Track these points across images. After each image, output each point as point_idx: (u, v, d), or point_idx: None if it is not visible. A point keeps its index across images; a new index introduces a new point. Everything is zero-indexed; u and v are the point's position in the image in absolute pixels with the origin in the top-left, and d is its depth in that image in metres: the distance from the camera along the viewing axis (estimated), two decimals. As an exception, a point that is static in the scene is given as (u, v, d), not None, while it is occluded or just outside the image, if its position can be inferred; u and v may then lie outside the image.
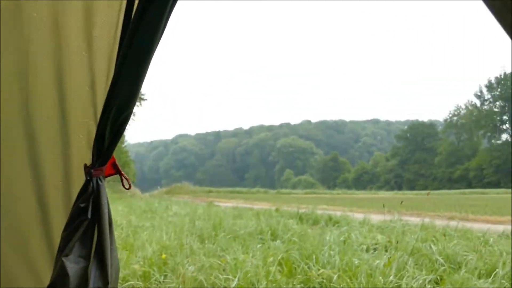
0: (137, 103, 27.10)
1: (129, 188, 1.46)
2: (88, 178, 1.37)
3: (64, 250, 1.31)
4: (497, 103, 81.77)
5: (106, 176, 1.43)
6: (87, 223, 1.34)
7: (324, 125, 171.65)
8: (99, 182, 1.37)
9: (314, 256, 3.94)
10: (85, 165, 1.39)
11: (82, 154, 1.47)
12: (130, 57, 1.23)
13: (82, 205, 1.35)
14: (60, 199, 1.51)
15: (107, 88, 1.33)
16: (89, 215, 1.34)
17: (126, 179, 1.51)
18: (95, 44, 1.38)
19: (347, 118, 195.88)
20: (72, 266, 1.29)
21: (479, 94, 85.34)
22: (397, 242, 5.11)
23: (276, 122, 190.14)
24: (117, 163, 1.47)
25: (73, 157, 1.48)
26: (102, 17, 1.39)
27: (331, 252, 4.04)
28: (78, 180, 1.45)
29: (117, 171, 1.48)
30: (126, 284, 3.34)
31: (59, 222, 1.46)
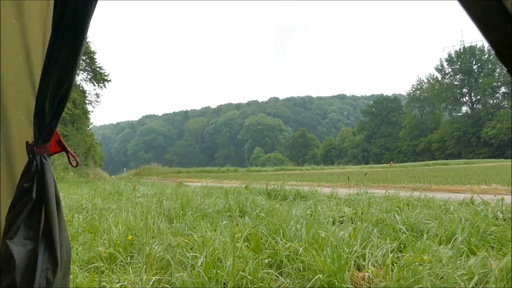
0: (101, 85, 26.21)
1: (77, 165, 1.38)
2: (31, 156, 1.28)
3: (8, 232, 1.23)
4: (457, 76, 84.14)
5: (51, 154, 1.35)
6: (32, 204, 1.26)
7: (292, 102, 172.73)
8: (43, 160, 1.29)
9: (281, 231, 3.96)
10: (27, 142, 1.30)
11: (23, 131, 1.37)
12: (66, 22, 1.13)
13: (26, 185, 1.27)
14: (3, 181, 1.41)
15: (42, 61, 1.23)
16: (34, 196, 1.26)
17: (73, 156, 1.43)
18: (26, 10, 1.25)
19: (314, 94, 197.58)
20: (18, 248, 1.22)
21: (440, 67, 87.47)
22: (361, 214, 5.21)
23: (244, 100, 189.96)
24: (61, 139, 1.38)
25: (13, 135, 1.37)
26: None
27: (298, 226, 4.07)
28: (21, 159, 1.36)
29: (63, 148, 1.40)
30: (91, 266, 3.27)
31: (3, 204, 1.38)
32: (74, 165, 1.41)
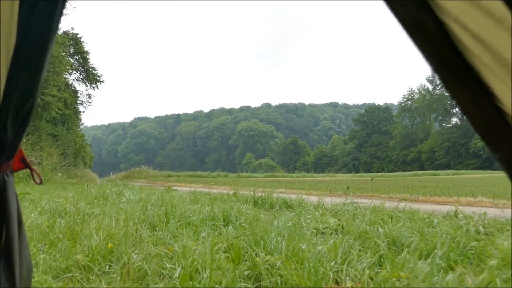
0: (93, 85, 25.99)
1: (41, 183, 1.37)
2: (-7, 174, 1.26)
3: (-34, 251, 1.21)
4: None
5: (15, 171, 1.33)
6: (-8, 222, 1.24)
7: (284, 109, 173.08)
8: (6, 177, 1.27)
9: (262, 243, 3.96)
10: (-11, 160, 1.28)
11: (-15, 148, 1.35)
12: (30, 38, 1.12)
13: (-13, 203, 1.25)
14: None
15: (6, 76, 1.21)
16: (-6, 213, 1.25)
17: (37, 174, 1.41)
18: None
19: (307, 101, 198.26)
20: (-25, 268, 1.20)
21: (431, 78, 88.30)
22: (342, 228, 5.22)
23: (237, 105, 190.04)
24: (25, 157, 1.37)
25: (-25, 152, 1.36)
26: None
27: (279, 238, 4.06)
28: (-17, 176, 1.34)
29: (26, 166, 1.38)
30: (67, 275, 3.23)
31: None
32: (38, 182, 1.40)
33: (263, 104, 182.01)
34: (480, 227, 5.09)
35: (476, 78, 0.99)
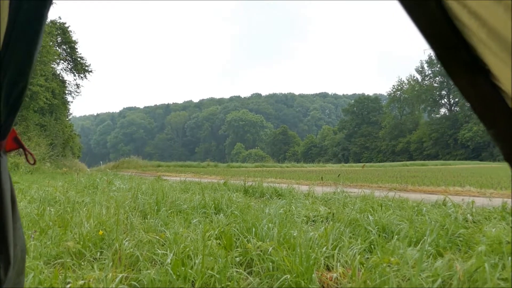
0: (81, 75, 25.78)
1: (34, 163, 1.35)
2: (-14, 154, 1.25)
3: (-42, 232, 1.20)
4: (437, 78, 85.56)
5: (8, 151, 1.32)
6: (-15, 202, 1.23)
7: (274, 99, 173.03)
8: (-2, 157, 1.26)
9: (253, 229, 3.97)
10: (-18, 140, 1.27)
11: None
12: (20, 19, 1.11)
13: (-21, 183, 1.23)
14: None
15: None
16: (-13, 193, 1.23)
17: (31, 154, 1.40)
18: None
19: (297, 91, 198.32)
20: (-32, 248, 1.19)
21: (420, 69, 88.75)
22: (333, 215, 5.26)
23: (226, 95, 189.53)
24: (18, 137, 1.35)
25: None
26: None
27: (270, 225, 4.08)
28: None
29: (20, 145, 1.37)
30: (58, 261, 3.21)
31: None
32: (32, 163, 1.38)
33: (253, 94, 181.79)
34: (468, 215, 5.16)
35: (474, 58, 1.00)
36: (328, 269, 3.24)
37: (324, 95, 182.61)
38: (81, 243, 3.64)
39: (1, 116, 1.22)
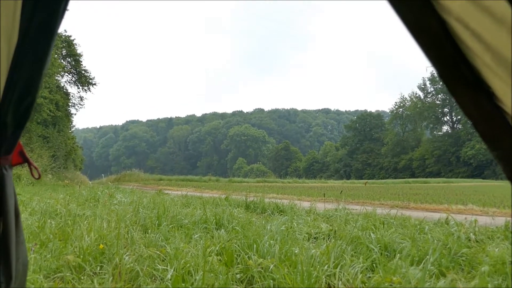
0: (85, 88, 25.95)
1: (39, 178, 1.36)
2: (-8, 168, 1.25)
3: (-38, 245, 1.20)
4: (439, 95, 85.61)
5: (14, 165, 1.32)
6: (-11, 216, 1.23)
7: (277, 114, 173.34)
8: (4, 171, 1.26)
9: (255, 246, 3.95)
10: (-12, 154, 1.27)
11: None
12: (31, 36, 1.13)
13: (-16, 197, 1.23)
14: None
15: (7, 72, 1.21)
16: (-9, 207, 1.23)
17: (36, 168, 1.40)
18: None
19: (299, 107, 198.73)
20: (-29, 262, 1.18)
21: (423, 86, 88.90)
22: (334, 233, 5.22)
23: (229, 110, 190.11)
24: (24, 151, 1.36)
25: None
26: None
27: (272, 242, 4.06)
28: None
29: (25, 160, 1.37)
30: (58, 275, 3.20)
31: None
32: (36, 177, 1.39)
33: (256, 109, 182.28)
34: (471, 234, 5.12)
35: (477, 77, 1.01)
36: (330, 287, 3.21)
37: (326, 111, 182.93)
38: (81, 256, 3.62)
39: (8, 131, 1.23)
